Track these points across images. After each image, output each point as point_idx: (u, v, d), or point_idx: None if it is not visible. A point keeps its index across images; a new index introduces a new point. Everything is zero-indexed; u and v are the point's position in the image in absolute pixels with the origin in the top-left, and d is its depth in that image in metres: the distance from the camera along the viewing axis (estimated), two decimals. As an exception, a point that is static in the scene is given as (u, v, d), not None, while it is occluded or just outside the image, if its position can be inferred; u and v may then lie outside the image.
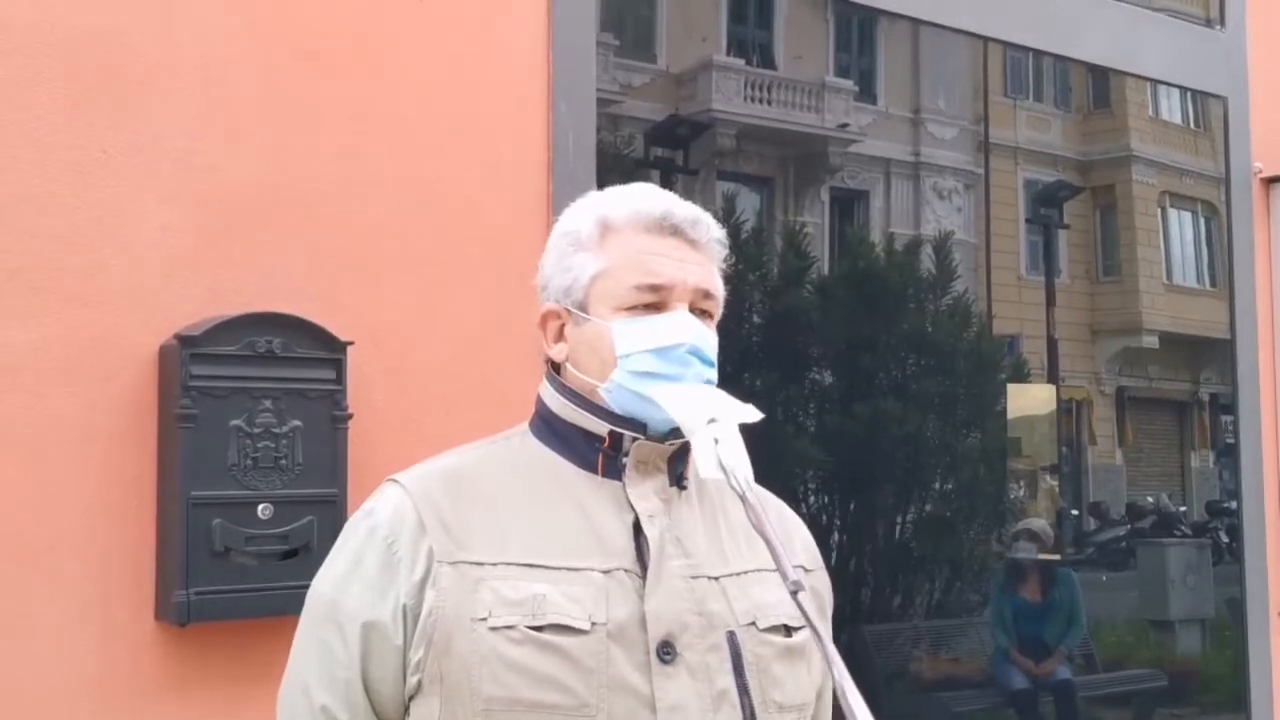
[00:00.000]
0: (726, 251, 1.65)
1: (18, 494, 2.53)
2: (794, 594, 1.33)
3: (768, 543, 1.37)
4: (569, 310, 1.60)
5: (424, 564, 1.50)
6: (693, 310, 1.58)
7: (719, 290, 1.62)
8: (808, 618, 1.32)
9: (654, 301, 1.56)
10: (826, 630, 1.70)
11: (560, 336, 1.62)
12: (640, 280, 1.56)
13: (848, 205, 5.98)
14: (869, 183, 5.99)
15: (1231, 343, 5.02)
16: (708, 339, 1.58)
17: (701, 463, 1.44)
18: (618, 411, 1.56)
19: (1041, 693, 5.71)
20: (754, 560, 1.57)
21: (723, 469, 1.42)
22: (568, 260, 1.60)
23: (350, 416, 2.77)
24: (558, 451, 1.59)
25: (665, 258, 1.57)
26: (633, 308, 1.56)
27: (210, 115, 2.77)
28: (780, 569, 1.35)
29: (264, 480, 2.66)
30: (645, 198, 1.61)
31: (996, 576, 5.88)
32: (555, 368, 1.64)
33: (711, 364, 1.57)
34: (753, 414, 1.50)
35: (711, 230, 1.62)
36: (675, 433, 1.54)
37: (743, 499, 1.40)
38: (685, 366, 1.54)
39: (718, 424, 1.46)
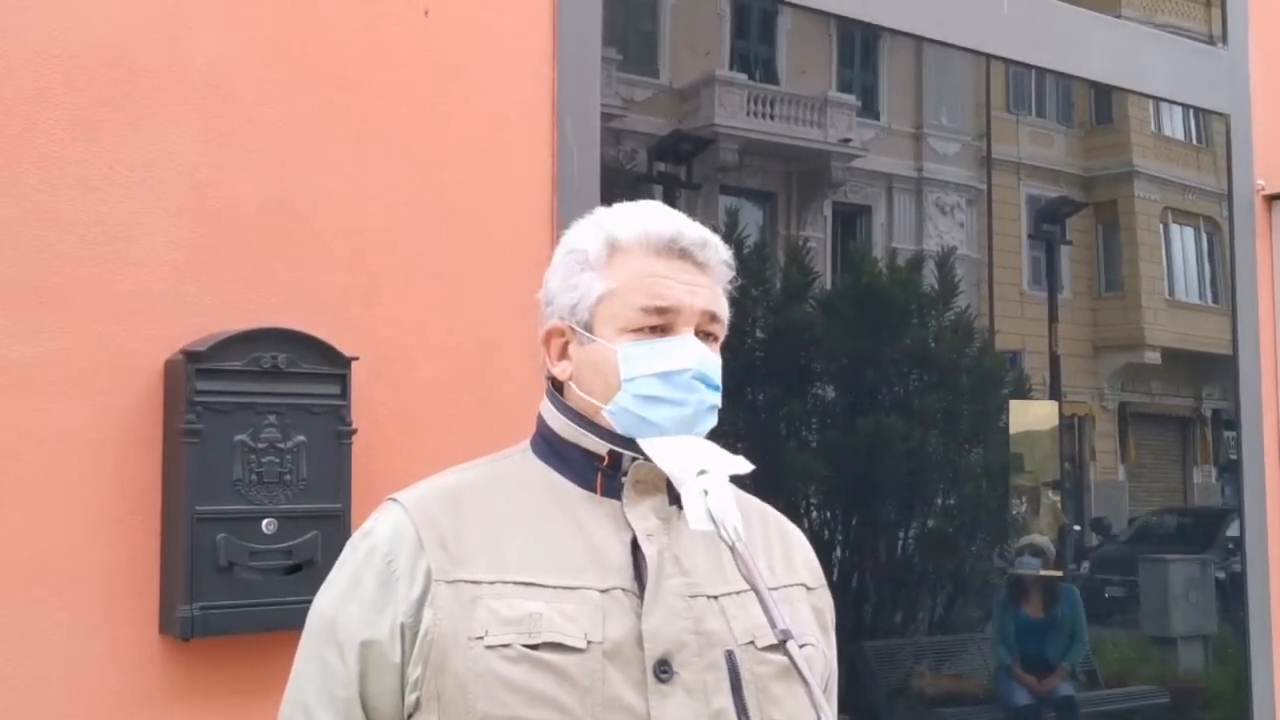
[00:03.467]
0: (733, 273, 1.65)
1: (23, 507, 2.53)
2: (783, 643, 1.34)
3: (756, 593, 1.38)
4: (574, 329, 1.60)
5: (421, 583, 1.50)
6: (698, 333, 1.57)
7: (724, 313, 1.62)
8: (798, 669, 1.33)
9: (660, 324, 1.56)
10: (831, 648, 1.70)
11: (564, 354, 1.62)
12: (647, 303, 1.55)
13: (850, 220, 6.00)
14: (871, 198, 6.01)
15: (1234, 358, 5.02)
16: (713, 363, 1.58)
17: (691, 514, 1.44)
18: (620, 433, 1.56)
19: (1044, 709, 5.70)
20: None
21: (712, 520, 1.42)
22: (574, 279, 1.60)
23: (354, 432, 2.77)
24: (557, 470, 1.59)
25: (673, 280, 1.56)
26: (638, 330, 1.56)
27: (216, 131, 2.78)
28: (769, 618, 1.36)
29: (268, 495, 2.66)
30: (655, 219, 1.60)
31: (999, 592, 5.87)
32: (557, 386, 1.64)
33: (717, 388, 1.58)
34: (743, 465, 1.50)
35: (719, 252, 1.61)
36: None
37: (732, 549, 1.41)
38: (690, 392, 1.55)
39: (708, 475, 1.46)
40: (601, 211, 1.65)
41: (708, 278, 1.59)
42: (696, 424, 1.56)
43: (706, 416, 1.57)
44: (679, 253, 1.58)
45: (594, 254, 1.59)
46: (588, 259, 1.59)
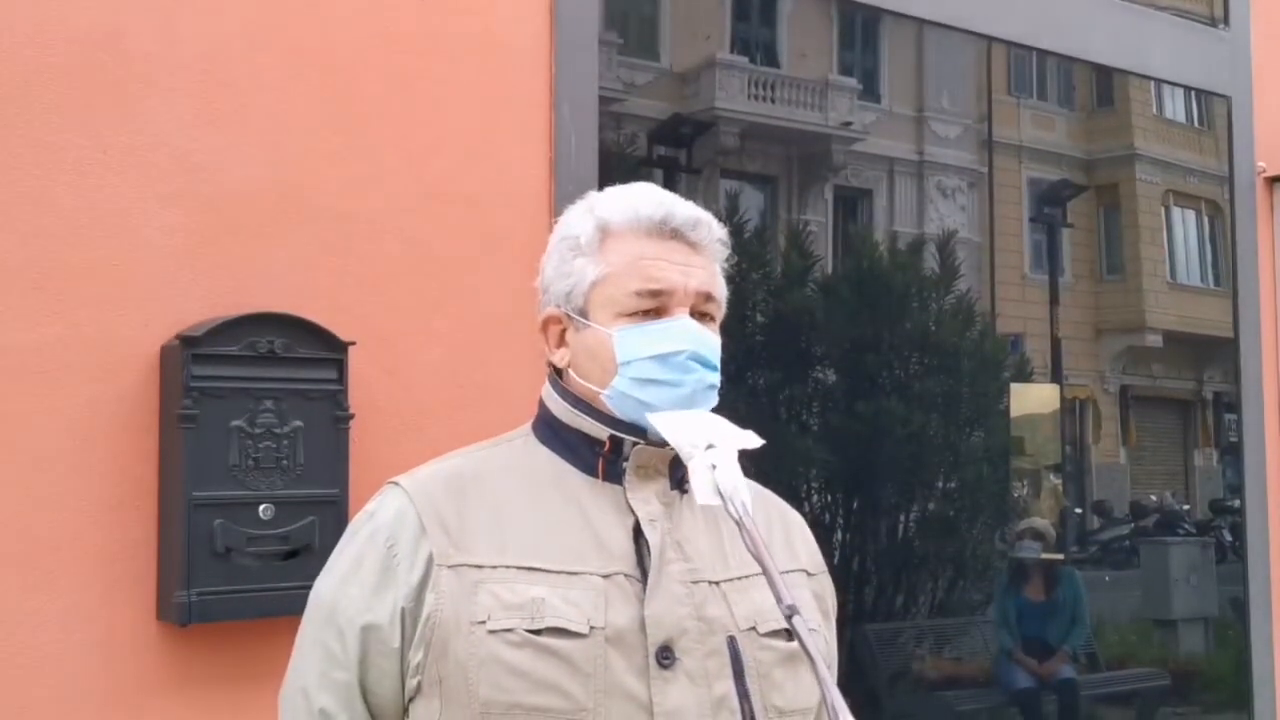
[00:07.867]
0: (728, 251, 1.64)
1: (20, 494, 2.53)
2: (788, 618, 1.33)
3: (764, 568, 1.37)
4: (570, 315, 1.59)
5: (423, 567, 1.50)
6: (694, 314, 1.57)
7: (721, 292, 1.61)
8: (803, 643, 1.32)
9: (655, 307, 1.55)
10: (831, 634, 1.70)
11: (562, 341, 1.61)
12: (641, 286, 1.55)
13: (851, 204, 5.98)
14: (872, 181, 5.99)
15: (1235, 341, 5.02)
16: (710, 343, 1.57)
17: (698, 489, 1.43)
18: (620, 417, 1.55)
19: (1045, 692, 5.70)
20: (755, 564, 1.56)
21: (720, 495, 1.41)
22: (567, 265, 1.59)
23: (352, 417, 2.77)
24: (560, 455, 1.59)
25: (666, 262, 1.55)
26: (633, 313, 1.55)
27: (211, 115, 2.77)
28: (775, 593, 1.35)
29: (265, 481, 2.66)
30: (645, 200, 1.59)
31: (1000, 576, 5.87)
32: (558, 371, 1.63)
33: (715, 368, 1.57)
34: (753, 440, 1.49)
35: (713, 231, 1.60)
36: None
37: (739, 525, 1.40)
38: (687, 373, 1.53)
39: (715, 450, 1.45)
40: (593, 195, 1.64)
41: (702, 258, 1.58)
42: (695, 405, 1.55)
43: (705, 396, 1.56)
44: (671, 233, 1.57)
45: (586, 239, 1.58)
46: (580, 244, 1.58)
